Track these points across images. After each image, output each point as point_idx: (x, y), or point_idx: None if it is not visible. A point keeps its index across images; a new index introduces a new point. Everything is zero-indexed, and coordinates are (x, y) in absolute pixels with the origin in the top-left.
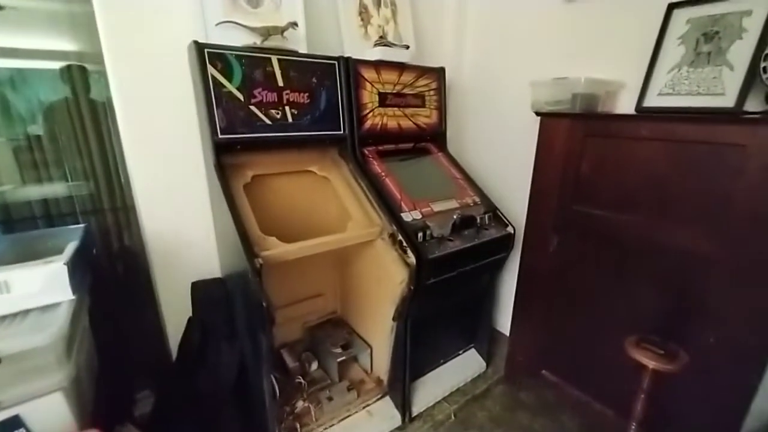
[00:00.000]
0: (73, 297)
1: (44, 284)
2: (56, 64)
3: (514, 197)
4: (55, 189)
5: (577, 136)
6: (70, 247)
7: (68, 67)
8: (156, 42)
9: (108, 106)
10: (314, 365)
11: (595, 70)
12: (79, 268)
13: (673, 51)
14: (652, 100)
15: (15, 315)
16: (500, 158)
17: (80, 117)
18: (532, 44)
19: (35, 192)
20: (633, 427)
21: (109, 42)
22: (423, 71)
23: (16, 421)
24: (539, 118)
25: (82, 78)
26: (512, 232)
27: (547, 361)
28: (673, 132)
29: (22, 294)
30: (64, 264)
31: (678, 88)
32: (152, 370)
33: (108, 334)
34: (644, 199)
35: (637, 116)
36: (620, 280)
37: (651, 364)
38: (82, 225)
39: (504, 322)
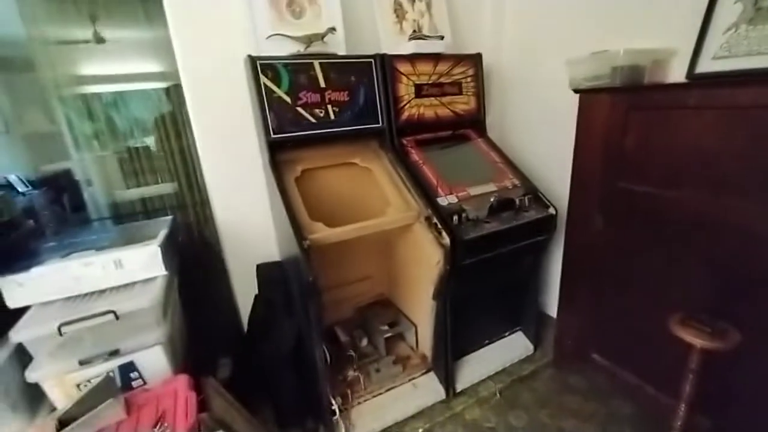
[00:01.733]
0: (165, 273)
1: (145, 262)
2: (148, 85)
3: (556, 178)
4: (152, 190)
5: (619, 111)
6: (162, 233)
7: (169, 87)
8: (218, 57)
9: (185, 116)
10: (364, 341)
11: (639, 39)
12: (168, 250)
13: (729, 9)
14: (705, 65)
15: (126, 285)
16: (541, 139)
17: (167, 128)
18: (571, 20)
19: (136, 193)
20: (682, 408)
21: (183, 60)
22: (458, 59)
23: (131, 365)
24: (578, 95)
25: (176, 94)
26: (554, 213)
27: (597, 344)
28: (731, 98)
29: (131, 269)
30: (158, 246)
31: (736, 50)
32: (229, 340)
33: (193, 307)
34: (695, 173)
35: (686, 84)
36: (668, 258)
37: (698, 342)
38: (170, 217)
39: (553, 306)
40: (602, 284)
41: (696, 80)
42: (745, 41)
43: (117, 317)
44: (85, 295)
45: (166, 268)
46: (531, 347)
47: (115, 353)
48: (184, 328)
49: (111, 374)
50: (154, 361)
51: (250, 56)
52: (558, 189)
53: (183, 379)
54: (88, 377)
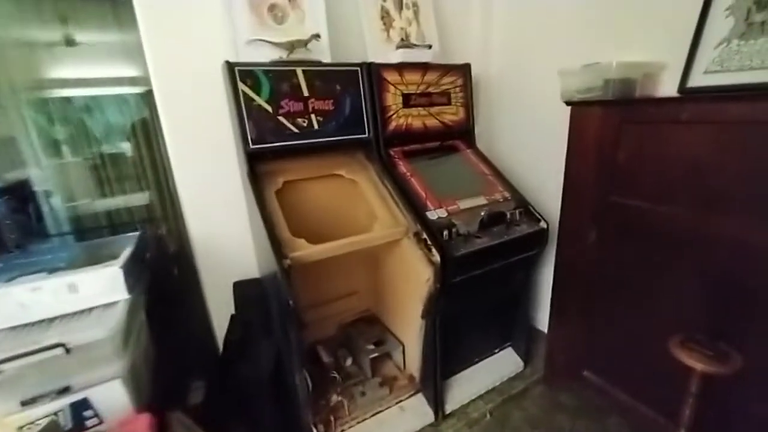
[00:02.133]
0: (128, 296)
1: (104, 285)
2: (122, 90)
3: (548, 191)
4: (119, 201)
5: (611, 124)
6: (126, 253)
7: (144, 93)
8: (194, 63)
9: (158, 123)
10: (348, 361)
11: (629, 52)
12: (134, 270)
13: (720, 23)
14: (697, 80)
15: (81, 312)
16: (532, 152)
17: (138, 136)
18: (561, 31)
19: (103, 204)
20: None
21: (154, 65)
22: (447, 69)
23: (85, 403)
24: (569, 108)
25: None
26: (545, 227)
27: (589, 361)
28: (723, 113)
29: (87, 294)
30: (120, 267)
31: (727, 64)
32: (203, 362)
33: (163, 327)
34: (688, 188)
35: (679, 98)
36: (664, 274)
37: (698, 366)
38: (137, 233)
39: (543, 320)
40: (594, 299)
41: (688, 94)
42: (737, 56)
43: (68, 351)
44: (33, 324)
45: (130, 291)
46: (521, 364)
47: (65, 390)
48: (151, 352)
49: (58, 415)
50: (112, 397)
51: (227, 62)
52: (548, 202)
53: (143, 420)
54: (34, 418)
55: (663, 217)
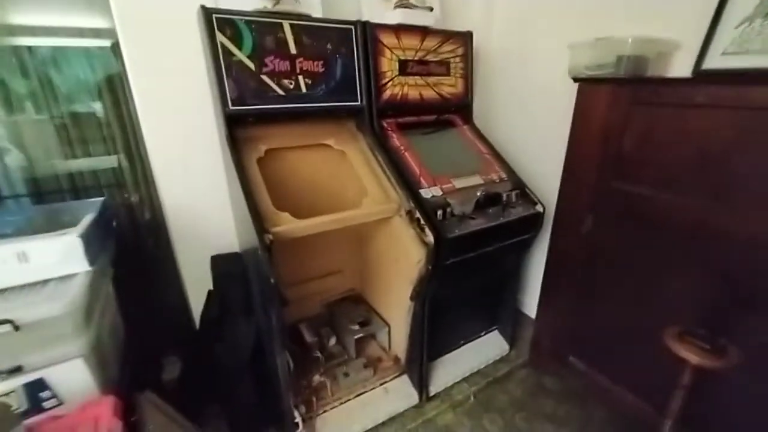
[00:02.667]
0: (89, 268)
1: (61, 255)
2: (89, 42)
3: (545, 174)
4: (82, 164)
5: (621, 105)
6: (86, 220)
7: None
8: (166, 10)
9: (125, 80)
10: (332, 341)
11: (640, 27)
12: (97, 239)
13: (744, 1)
14: (714, 61)
15: (34, 284)
16: (531, 131)
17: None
18: (571, 3)
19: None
20: (668, 424)
21: (120, 13)
22: (448, 36)
23: (40, 383)
24: (575, 86)
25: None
26: (541, 210)
27: (576, 347)
28: (742, 97)
29: (40, 264)
30: (78, 236)
31: (748, 46)
32: (178, 338)
33: (134, 301)
34: (700, 176)
35: (696, 80)
36: (663, 266)
37: (694, 359)
38: (101, 198)
39: (530, 304)
40: (587, 286)
41: (702, 76)
42: (760, 37)
43: (16, 328)
44: None
45: (92, 263)
46: (507, 347)
47: (17, 370)
48: (120, 328)
49: (10, 396)
50: (73, 377)
51: (203, 7)
52: (545, 185)
53: (107, 403)
54: None
55: (668, 205)
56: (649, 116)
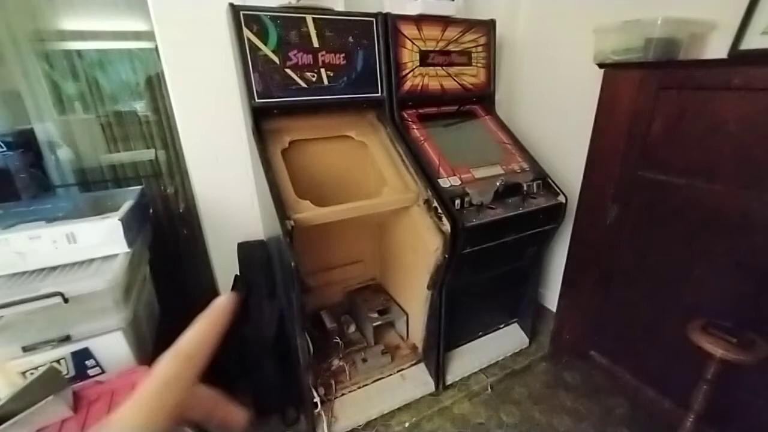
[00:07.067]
0: (128, 250)
1: (103, 236)
2: (134, 45)
3: (569, 164)
4: (124, 157)
5: (648, 90)
6: (126, 205)
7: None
8: (197, 10)
9: (162, 77)
10: (352, 328)
11: (674, 8)
12: (135, 224)
13: None
14: (754, 41)
15: (81, 263)
16: (555, 121)
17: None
18: None
19: (108, 159)
20: (691, 418)
21: (157, 14)
22: (470, 25)
23: (86, 352)
24: (602, 71)
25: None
26: (564, 201)
27: (597, 341)
28: None
29: (86, 245)
30: (119, 220)
31: None
32: None
33: (169, 285)
34: (733, 163)
35: (732, 61)
36: (690, 257)
37: (718, 352)
38: (139, 187)
39: (551, 297)
40: (610, 279)
41: (740, 57)
42: None
43: (66, 300)
44: (33, 272)
45: (130, 245)
46: (526, 340)
47: (66, 339)
48: (156, 308)
49: (60, 363)
50: (113, 348)
51: (231, 5)
52: (568, 175)
53: (143, 371)
54: (37, 364)
55: (698, 194)
56: (679, 102)
